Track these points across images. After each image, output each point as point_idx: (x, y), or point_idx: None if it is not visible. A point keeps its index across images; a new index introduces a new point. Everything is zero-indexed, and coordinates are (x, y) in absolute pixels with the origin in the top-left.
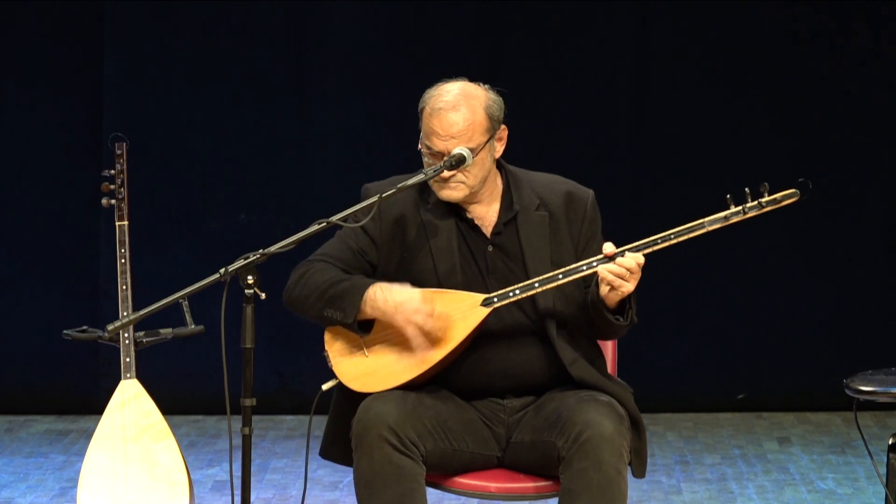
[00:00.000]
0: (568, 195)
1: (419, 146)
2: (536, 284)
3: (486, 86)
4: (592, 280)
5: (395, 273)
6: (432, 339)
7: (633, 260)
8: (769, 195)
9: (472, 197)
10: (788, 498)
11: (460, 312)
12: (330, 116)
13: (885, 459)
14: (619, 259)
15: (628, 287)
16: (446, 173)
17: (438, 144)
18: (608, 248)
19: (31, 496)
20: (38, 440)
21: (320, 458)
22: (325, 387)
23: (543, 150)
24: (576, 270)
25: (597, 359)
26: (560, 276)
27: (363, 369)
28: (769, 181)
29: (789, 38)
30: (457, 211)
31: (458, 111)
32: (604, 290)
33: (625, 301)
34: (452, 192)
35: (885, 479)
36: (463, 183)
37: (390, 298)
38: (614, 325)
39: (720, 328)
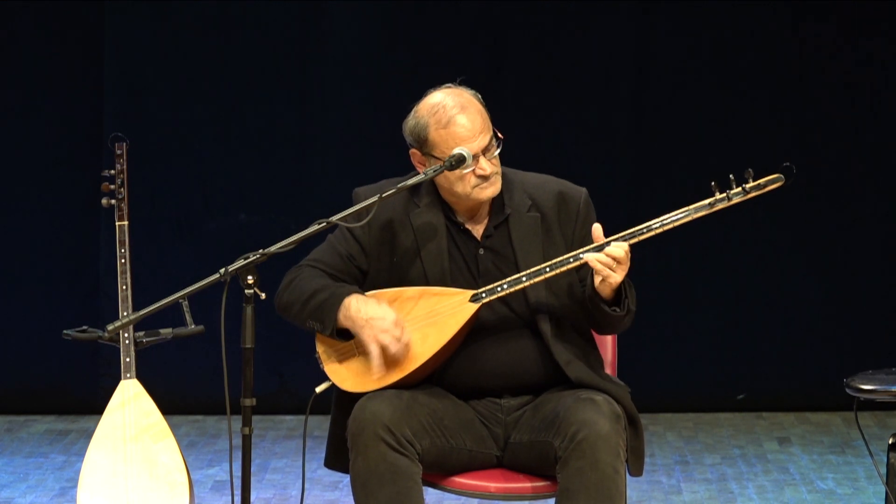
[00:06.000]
0: (560, 195)
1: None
2: (524, 278)
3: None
4: (588, 276)
5: (387, 278)
6: (392, 361)
7: (620, 249)
8: (753, 181)
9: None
10: (788, 498)
11: (450, 309)
12: (330, 116)
13: (886, 459)
14: (606, 248)
15: (616, 277)
16: (488, 169)
17: (473, 146)
18: (597, 230)
19: (31, 496)
20: (38, 440)
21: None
22: (318, 389)
23: (543, 149)
24: (563, 263)
25: (592, 358)
26: (547, 269)
27: (355, 370)
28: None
29: (789, 37)
30: (447, 214)
31: (469, 109)
32: (597, 280)
33: (620, 291)
34: (494, 186)
35: (885, 479)
36: (497, 174)
37: (363, 311)
38: (612, 316)
39: (720, 328)
